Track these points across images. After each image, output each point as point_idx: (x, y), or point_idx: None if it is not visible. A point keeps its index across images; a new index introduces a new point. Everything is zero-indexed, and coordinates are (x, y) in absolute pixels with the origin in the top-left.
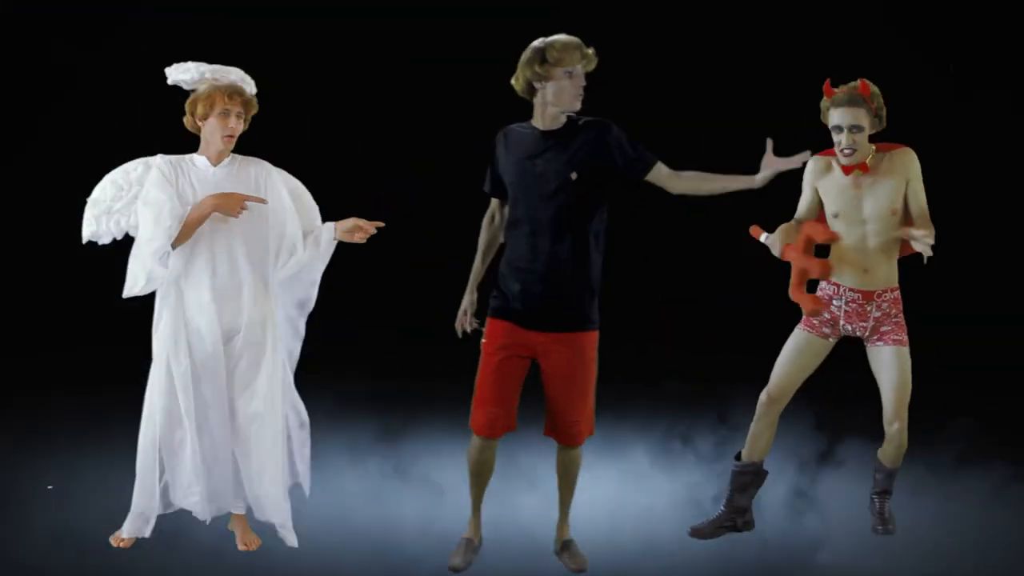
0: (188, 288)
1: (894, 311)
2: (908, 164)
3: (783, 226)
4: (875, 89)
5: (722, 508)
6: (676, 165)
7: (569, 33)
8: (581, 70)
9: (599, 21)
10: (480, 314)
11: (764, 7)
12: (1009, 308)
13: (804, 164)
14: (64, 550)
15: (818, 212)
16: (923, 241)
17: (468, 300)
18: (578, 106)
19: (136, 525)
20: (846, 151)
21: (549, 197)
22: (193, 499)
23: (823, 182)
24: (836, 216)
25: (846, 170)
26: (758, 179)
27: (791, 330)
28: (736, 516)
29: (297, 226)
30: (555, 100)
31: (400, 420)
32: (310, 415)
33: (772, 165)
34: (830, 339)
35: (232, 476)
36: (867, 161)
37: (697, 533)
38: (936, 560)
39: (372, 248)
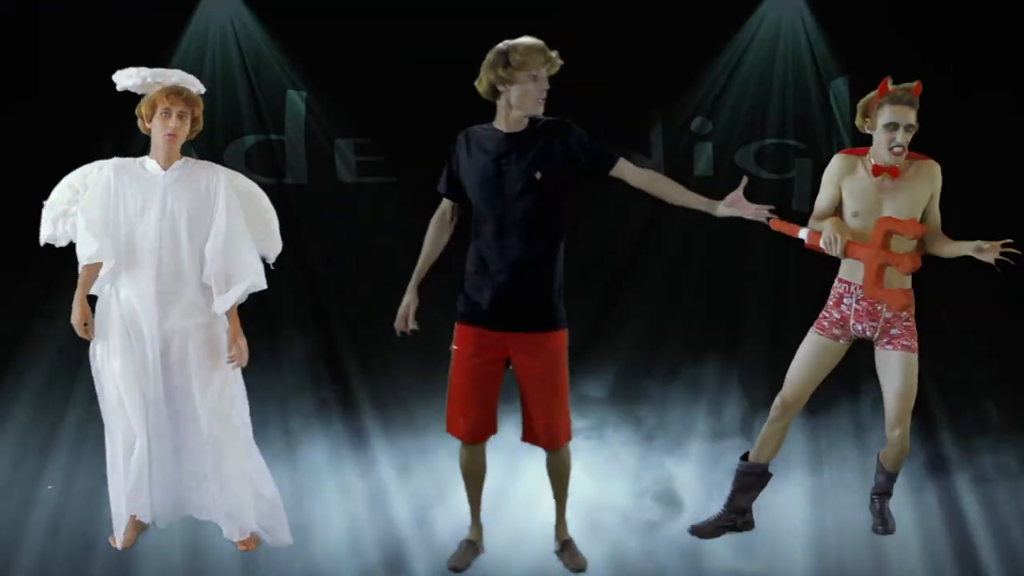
0: (128, 288)
1: (905, 314)
2: (936, 177)
3: (833, 220)
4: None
5: (723, 508)
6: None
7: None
8: (545, 73)
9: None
10: (427, 314)
11: (766, 7)
12: (1010, 308)
13: (767, 219)
14: (64, 550)
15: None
16: (991, 253)
17: (410, 299)
18: (541, 110)
19: (117, 532)
20: (897, 149)
21: (515, 198)
22: (140, 501)
23: (848, 181)
24: (856, 215)
25: (876, 171)
26: (720, 209)
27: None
28: (736, 516)
29: (221, 234)
30: (518, 103)
31: (398, 418)
32: (311, 415)
33: (737, 206)
34: (841, 341)
35: (180, 483)
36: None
37: (697, 532)
38: (937, 560)
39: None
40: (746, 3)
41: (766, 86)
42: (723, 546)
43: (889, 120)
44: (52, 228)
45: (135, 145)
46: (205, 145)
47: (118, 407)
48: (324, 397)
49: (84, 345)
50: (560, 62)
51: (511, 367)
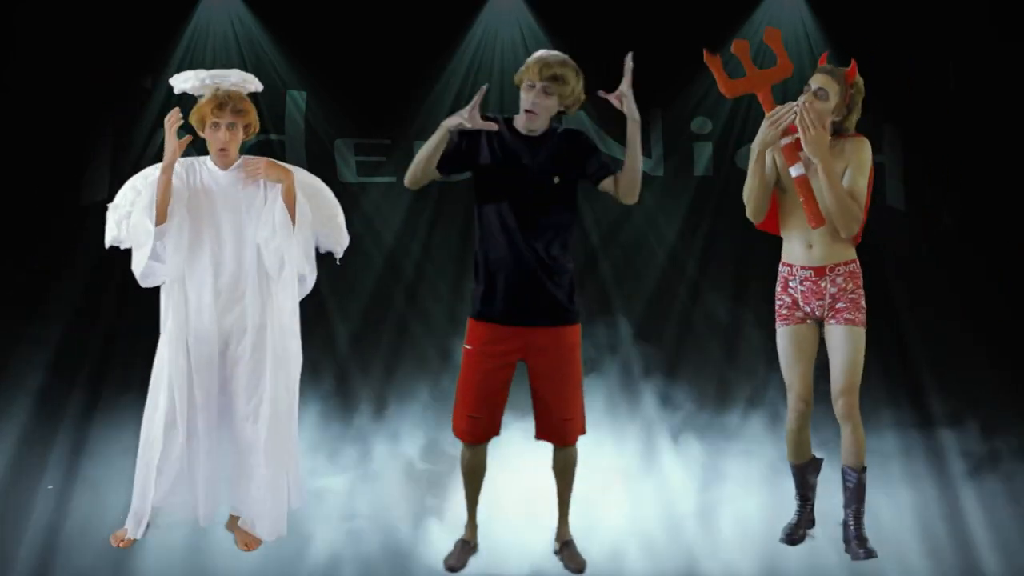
0: (191, 288)
1: (851, 286)
2: (853, 151)
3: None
4: (860, 82)
5: (799, 509)
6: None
7: None
8: (541, 86)
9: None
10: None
11: (766, 7)
12: (1010, 308)
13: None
14: (64, 550)
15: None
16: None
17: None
18: (532, 124)
19: (132, 525)
20: (796, 108)
21: (532, 199)
22: (176, 499)
23: (780, 156)
24: (785, 192)
25: (797, 145)
26: (629, 122)
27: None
28: (811, 511)
29: (269, 224)
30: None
31: (397, 417)
32: (311, 415)
33: (622, 100)
34: (808, 322)
35: (224, 482)
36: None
37: (792, 540)
38: (937, 559)
39: None
40: (746, 3)
41: None
42: (720, 546)
43: (806, 84)
44: (116, 230)
45: (135, 144)
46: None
47: (160, 401)
48: (323, 397)
49: (83, 345)
50: (557, 75)
51: (527, 366)
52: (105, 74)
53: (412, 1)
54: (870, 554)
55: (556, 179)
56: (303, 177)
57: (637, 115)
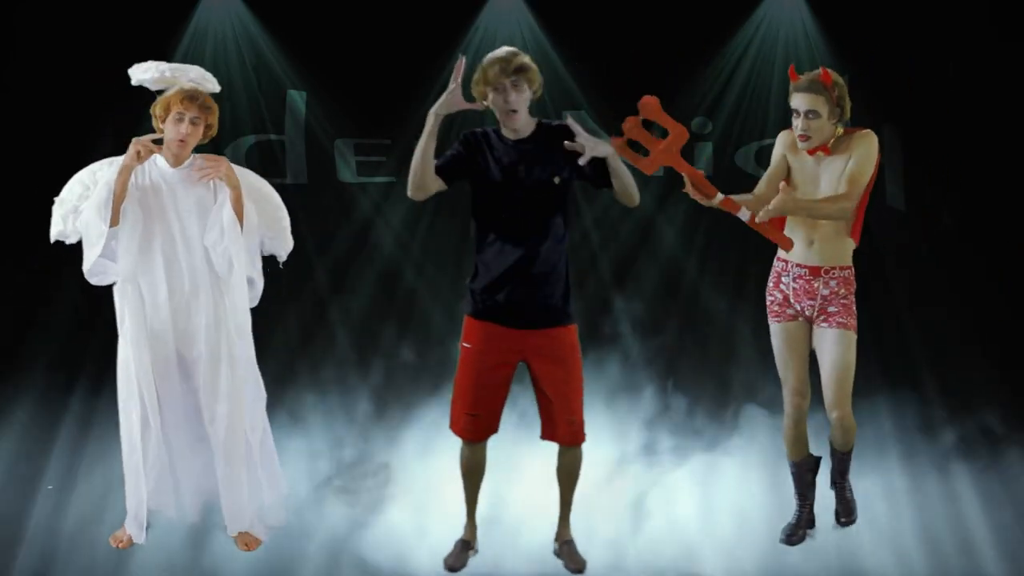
0: (145, 287)
1: (843, 291)
2: (856, 144)
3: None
4: (838, 79)
5: (799, 510)
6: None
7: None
8: (508, 84)
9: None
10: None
11: (766, 7)
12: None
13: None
14: (64, 550)
15: (782, 180)
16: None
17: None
18: (512, 123)
19: (132, 528)
20: (801, 135)
21: (531, 202)
22: (163, 498)
23: (790, 155)
24: (795, 189)
25: (810, 151)
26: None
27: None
28: (810, 512)
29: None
30: (497, 115)
31: (398, 417)
32: (303, 416)
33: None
34: (800, 319)
35: (205, 477)
36: (829, 144)
37: (792, 540)
38: (937, 558)
39: None
40: (746, 3)
41: (766, 86)
42: (720, 546)
43: (793, 106)
44: (62, 225)
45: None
46: (206, 145)
47: (133, 403)
48: (324, 397)
49: (83, 345)
50: (523, 65)
51: (530, 368)
52: (105, 74)
53: (412, 1)
54: (849, 521)
55: (557, 179)
56: (251, 180)
57: (608, 148)
